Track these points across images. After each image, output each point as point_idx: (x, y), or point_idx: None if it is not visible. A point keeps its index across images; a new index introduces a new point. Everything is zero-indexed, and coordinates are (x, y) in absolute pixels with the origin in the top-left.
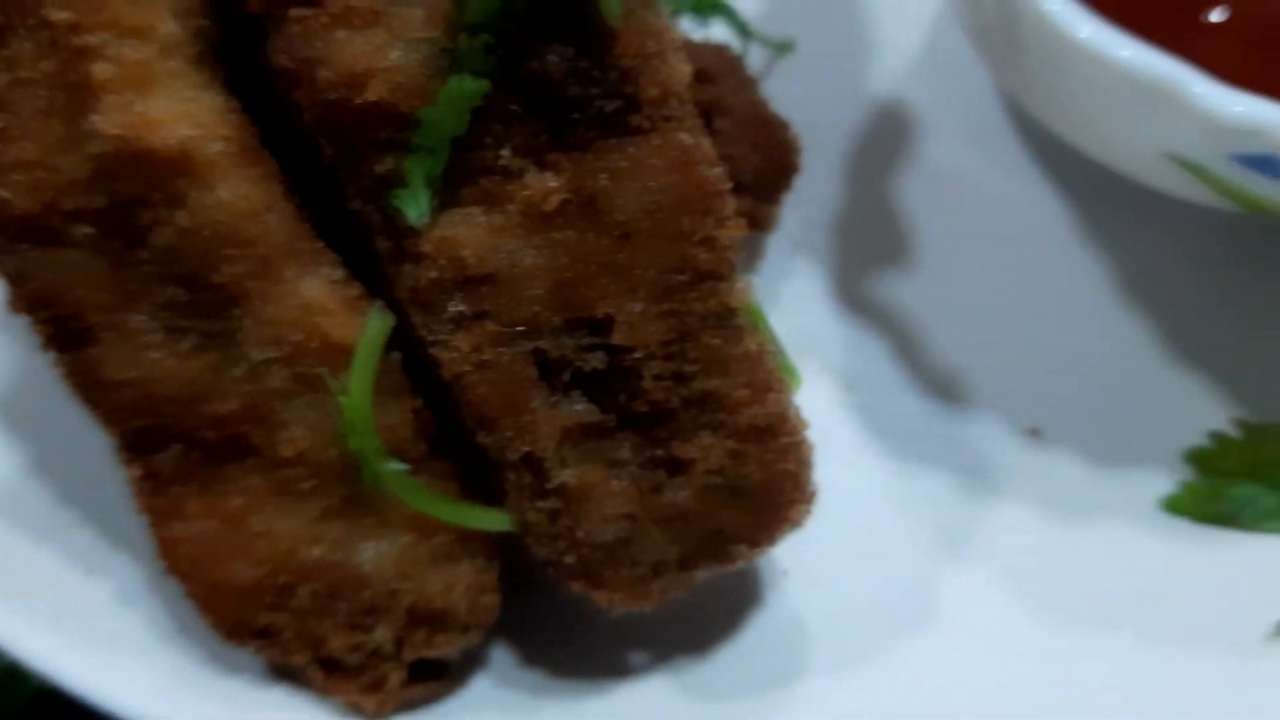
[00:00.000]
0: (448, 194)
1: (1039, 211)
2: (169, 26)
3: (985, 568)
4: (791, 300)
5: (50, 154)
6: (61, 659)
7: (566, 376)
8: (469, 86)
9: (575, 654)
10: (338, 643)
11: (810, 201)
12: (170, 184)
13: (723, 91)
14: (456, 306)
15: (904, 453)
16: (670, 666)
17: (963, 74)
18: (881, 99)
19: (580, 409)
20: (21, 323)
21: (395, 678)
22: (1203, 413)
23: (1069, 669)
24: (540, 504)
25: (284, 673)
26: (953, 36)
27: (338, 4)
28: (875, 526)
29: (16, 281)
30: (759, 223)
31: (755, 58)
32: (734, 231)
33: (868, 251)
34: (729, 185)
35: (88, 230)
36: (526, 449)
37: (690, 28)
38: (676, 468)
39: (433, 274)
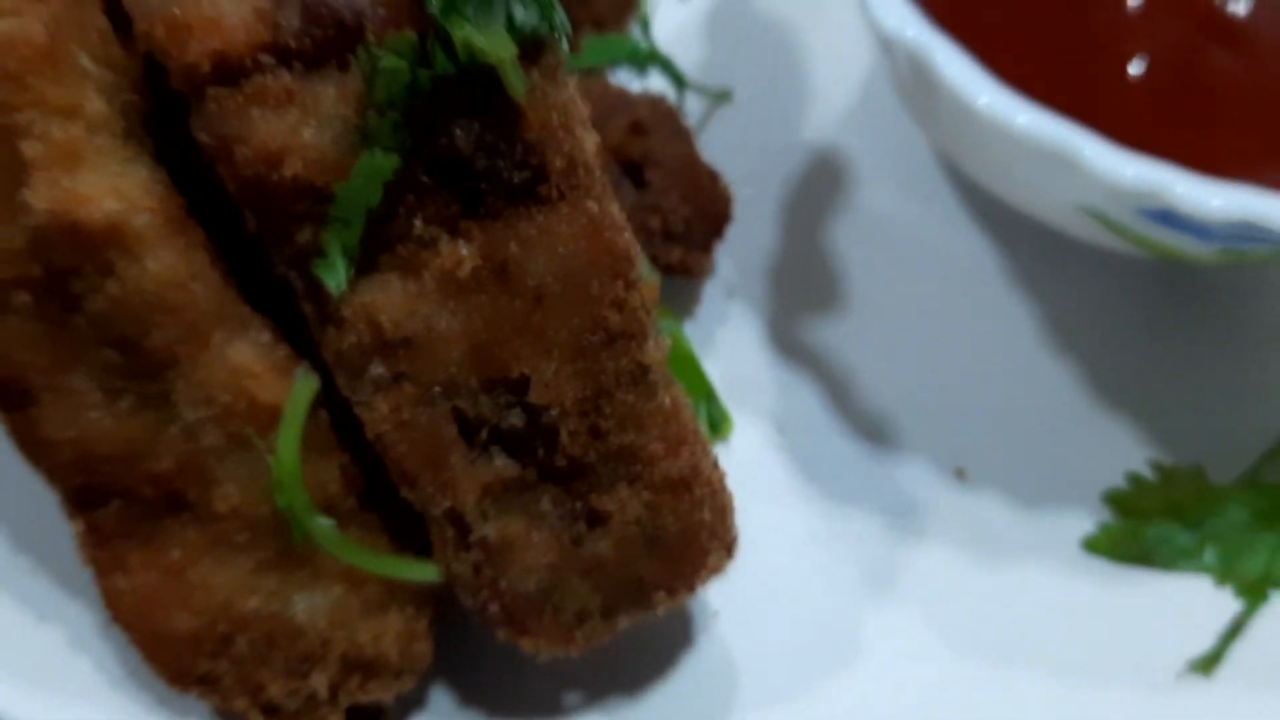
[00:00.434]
0: (365, 262)
1: (967, 257)
2: (95, 104)
3: (911, 607)
4: (726, 345)
5: None
6: (13, 701)
7: (485, 434)
8: (380, 162)
9: (511, 694)
10: (276, 689)
11: (746, 248)
12: (100, 255)
13: (656, 143)
14: (376, 369)
15: (834, 494)
16: (604, 706)
17: (895, 123)
18: (816, 147)
19: (500, 465)
20: None
21: None
22: (1121, 454)
23: (992, 707)
24: (464, 556)
25: (228, 717)
26: (885, 86)
27: (253, 84)
28: (804, 567)
29: None
30: (692, 270)
31: (694, 105)
32: (644, 294)
33: (801, 297)
34: (639, 251)
35: (25, 298)
36: (448, 504)
37: (628, 79)
38: (596, 520)
39: (353, 339)
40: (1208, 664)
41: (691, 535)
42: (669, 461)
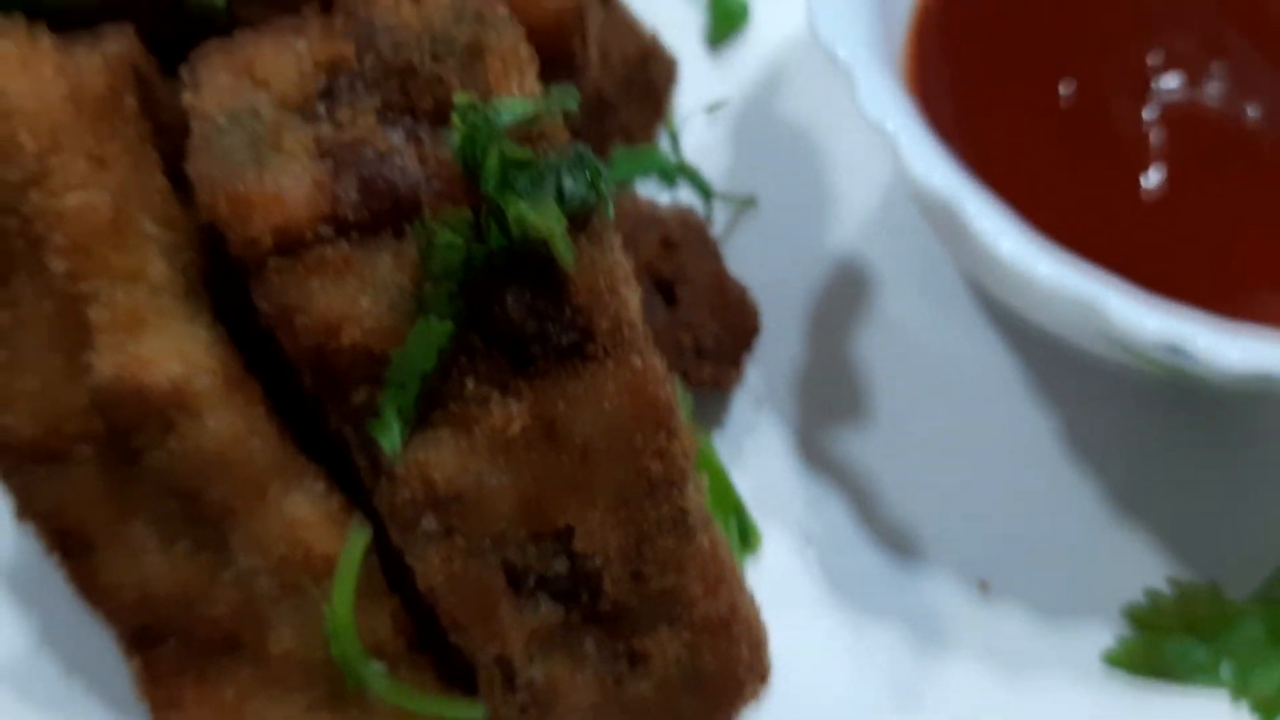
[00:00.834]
0: (419, 421)
1: (988, 368)
2: (157, 267)
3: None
4: (754, 455)
5: (51, 385)
6: None
7: (532, 583)
8: (435, 329)
9: None
10: None
11: (773, 357)
12: (162, 415)
13: (685, 260)
14: (429, 524)
15: (860, 606)
16: None
17: (917, 231)
18: (840, 254)
19: (545, 611)
20: None
21: None
22: (1140, 568)
23: None
24: (511, 698)
25: None
26: (908, 195)
27: (312, 256)
28: (831, 679)
29: (22, 496)
30: (721, 384)
31: (719, 210)
32: (684, 441)
33: (827, 407)
34: (679, 396)
35: (87, 451)
36: (497, 650)
37: (656, 186)
38: (637, 660)
39: (406, 494)
40: None
41: (729, 671)
42: (708, 602)
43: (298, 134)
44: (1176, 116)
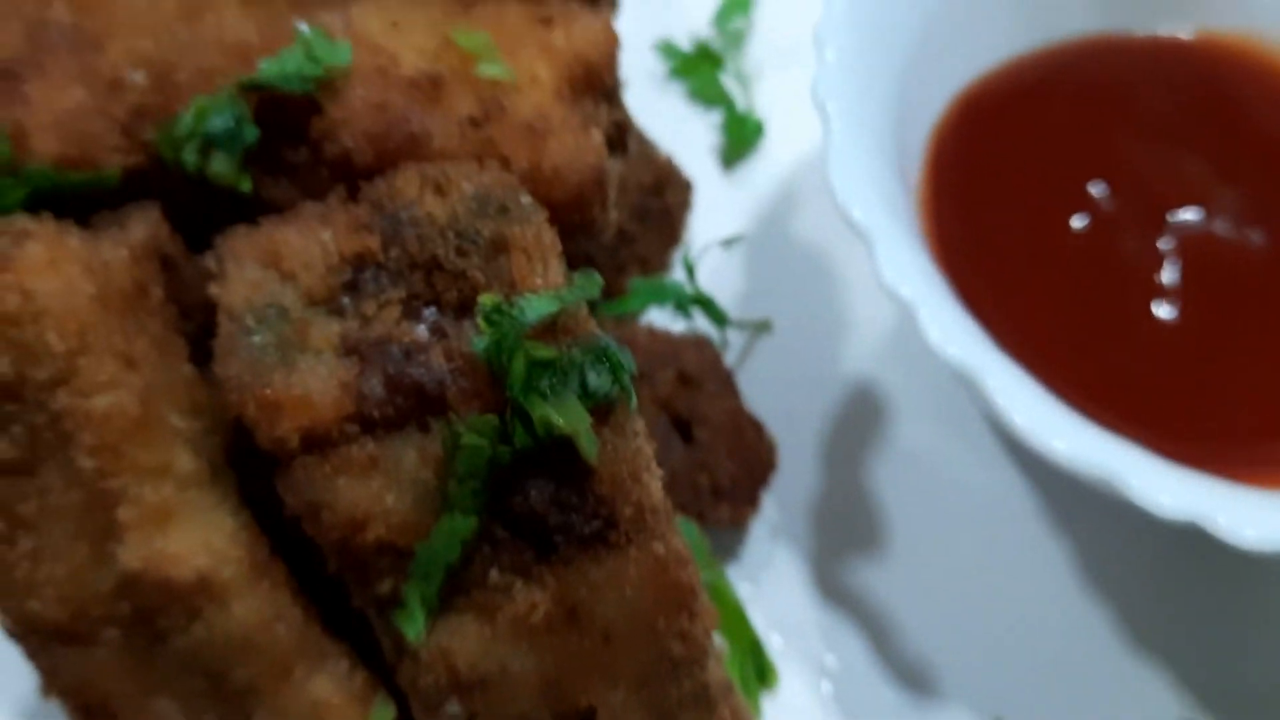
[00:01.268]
0: (442, 606)
1: (1003, 497)
2: (184, 461)
3: None
4: (770, 588)
5: (77, 572)
6: None
7: None
8: (460, 524)
9: None
10: None
11: (788, 485)
12: (188, 602)
13: (702, 398)
14: (452, 708)
15: None
16: None
17: (929, 357)
18: (854, 379)
19: None
20: None
21: None
22: (1154, 704)
23: None
24: None
25: None
26: None
27: (339, 455)
28: None
29: (49, 674)
30: (738, 522)
31: (733, 333)
32: (705, 621)
33: (843, 538)
34: (699, 575)
35: (113, 634)
36: None
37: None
38: None
39: (429, 678)
40: None
41: None
42: None
43: (324, 330)
44: (1191, 249)
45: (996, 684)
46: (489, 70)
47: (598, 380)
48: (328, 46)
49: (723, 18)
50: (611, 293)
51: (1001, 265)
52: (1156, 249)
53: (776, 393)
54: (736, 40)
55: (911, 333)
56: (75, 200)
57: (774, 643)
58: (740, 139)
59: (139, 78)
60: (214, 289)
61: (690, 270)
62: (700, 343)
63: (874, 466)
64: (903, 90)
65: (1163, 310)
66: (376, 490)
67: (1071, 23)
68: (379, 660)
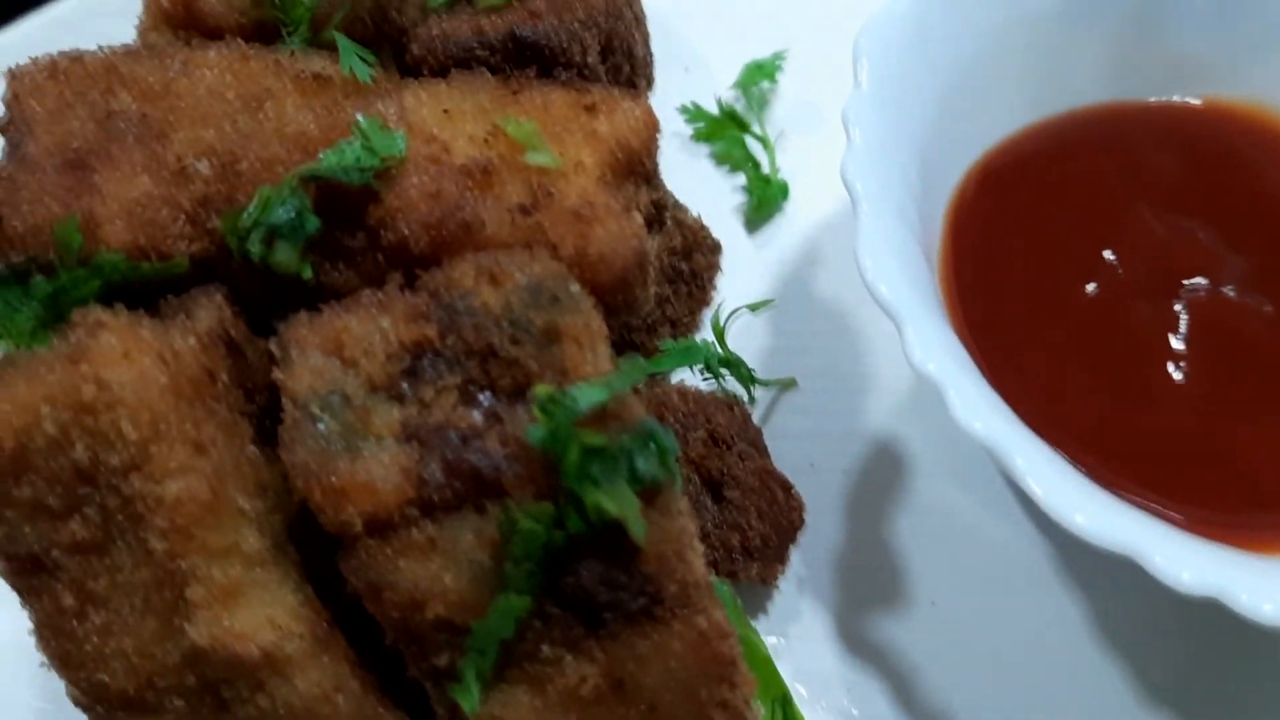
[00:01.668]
0: (495, 680)
1: (1024, 553)
2: (250, 541)
3: None
4: (798, 641)
5: (145, 645)
6: None
7: None
8: (515, 603)
9: None
10: None
11: (814, 539)
12: (252, 675)
13: (732, 460)
14: None
15: None
16: None
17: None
18: (876, 435)
19: None
20: None
21: None
22: None
23: None
24: None
25: None
26: None
27: (400, 538)
28: None
29: None
30: (767, 580)
31: (760, 391)
32: (745, 689)
33: (867, 592)
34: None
35: (179, 704)
36: None
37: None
38: None
39: None
40: None
41: None
42: None
43: (385, 416)
44: (1202, 315)
45: None
46: (537, 158)
47: (646, 465)
48: (384, 137)
49: (747, 81)
50: (644, 353)
51: (1018, 331)
52: (1169, 315)
53: (801, 448)
54: (761, 104)
55: (930, 390)
56: (143, 286)
57: (800, 694)
58: (765, 201)
59: (204, 167)
60: (278, 375)
61: (720, 334)
62: (730, 403)
63: (896, 521)
64: (924, 162)
65: (1177, 376)
66: (435, 571)
67: (1083, 92)
68: None
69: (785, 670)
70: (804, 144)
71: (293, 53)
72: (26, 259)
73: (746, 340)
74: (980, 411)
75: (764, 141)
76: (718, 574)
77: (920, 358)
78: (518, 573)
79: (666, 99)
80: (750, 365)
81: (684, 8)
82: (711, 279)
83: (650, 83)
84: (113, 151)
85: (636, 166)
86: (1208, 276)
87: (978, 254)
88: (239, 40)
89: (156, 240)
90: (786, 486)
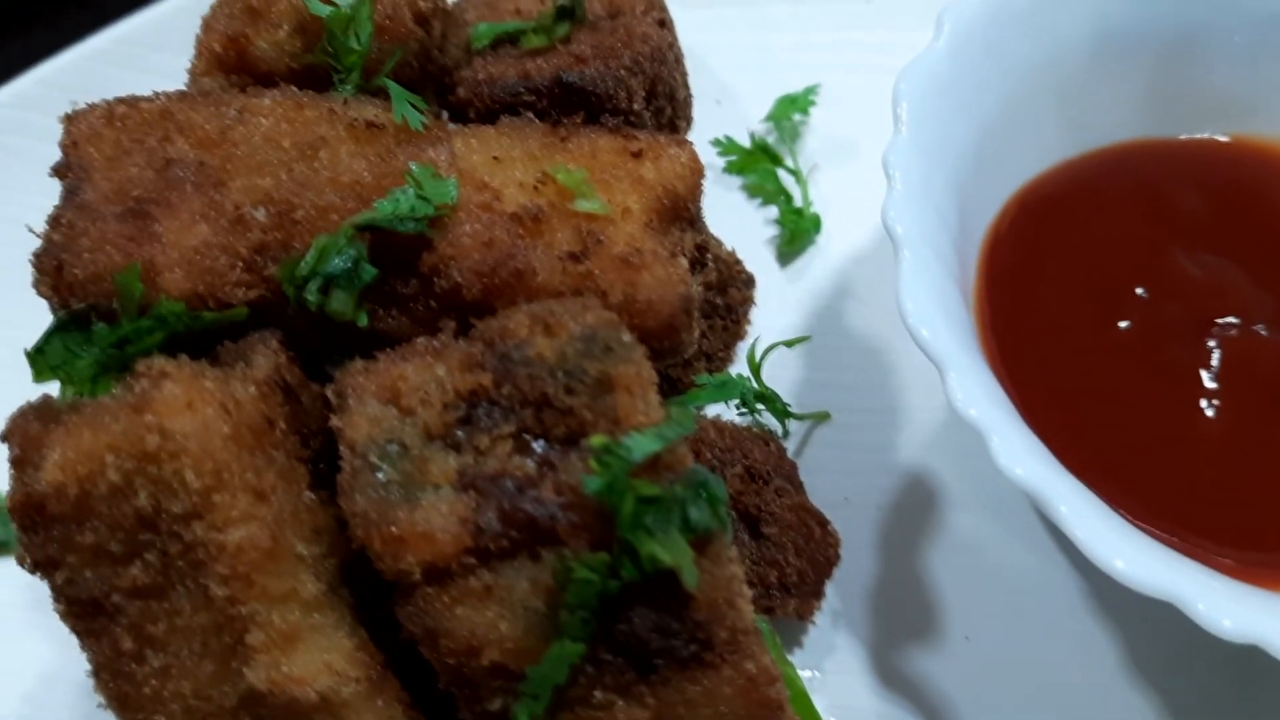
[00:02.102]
0: None
1: (1056, 587)
2: (308, 587)
3: None
4: (833, 674)
5: (203, 688)
6: None
7: None
8: (569, 650)
9: None
10: None
11: (848, 574)
12: (308, 718)
13: (769, 496)
14: None
15: None
16: None
17: (980, 446)
18: (909, 468)
19: None
20: None
21: None
22: None
23: None
24: None
25: None
26: None
27: (457, 586)
28: None
29: None
30: (804, 614)
31: (794, 424)
32: None
33: (901, 625)
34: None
35: None
36: None
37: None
38: None
39: None
40: None
41: None
42: None
43: (442, 465)
44: (1234, 352)
45: None
46: (586, 205)
47: (698, 514)
48: (436, 185)
49: (779, 115)
50: (680, 388)
51: (1052, 368)
52: (1202, 354)
53: (835, 481)
54: (793, 136)
55: (960, 424)
56: (202, 332)
57: None
58: (798, 235)
59: (260, 215)
60: (335, 422)
61: (755, 369)
62: (765, 438)
63: (930, 555)
64: (960, 200)
65: (1212, 416)
66: (491, 618)
67: (1115, 129)
68: None
69: (820, 704)
70: (836, 177)
71: (346, 100)
72: (86, 305)
73: (779, 372)
74: (1021, 457)
75: (796, 175)
76: (755, 610)
77: (962, 403)
78: (572, 620)
79: (699, 131)
80: (784, 398)
81: (716, 41)
82: (746, 313)
83: (690, 122)
84: (171, 199)
85: (682, 211)
86: (1239, 315)
87: (1012, 290)
88: (292, 87)
89: (214, 287)
90: (823, 522)
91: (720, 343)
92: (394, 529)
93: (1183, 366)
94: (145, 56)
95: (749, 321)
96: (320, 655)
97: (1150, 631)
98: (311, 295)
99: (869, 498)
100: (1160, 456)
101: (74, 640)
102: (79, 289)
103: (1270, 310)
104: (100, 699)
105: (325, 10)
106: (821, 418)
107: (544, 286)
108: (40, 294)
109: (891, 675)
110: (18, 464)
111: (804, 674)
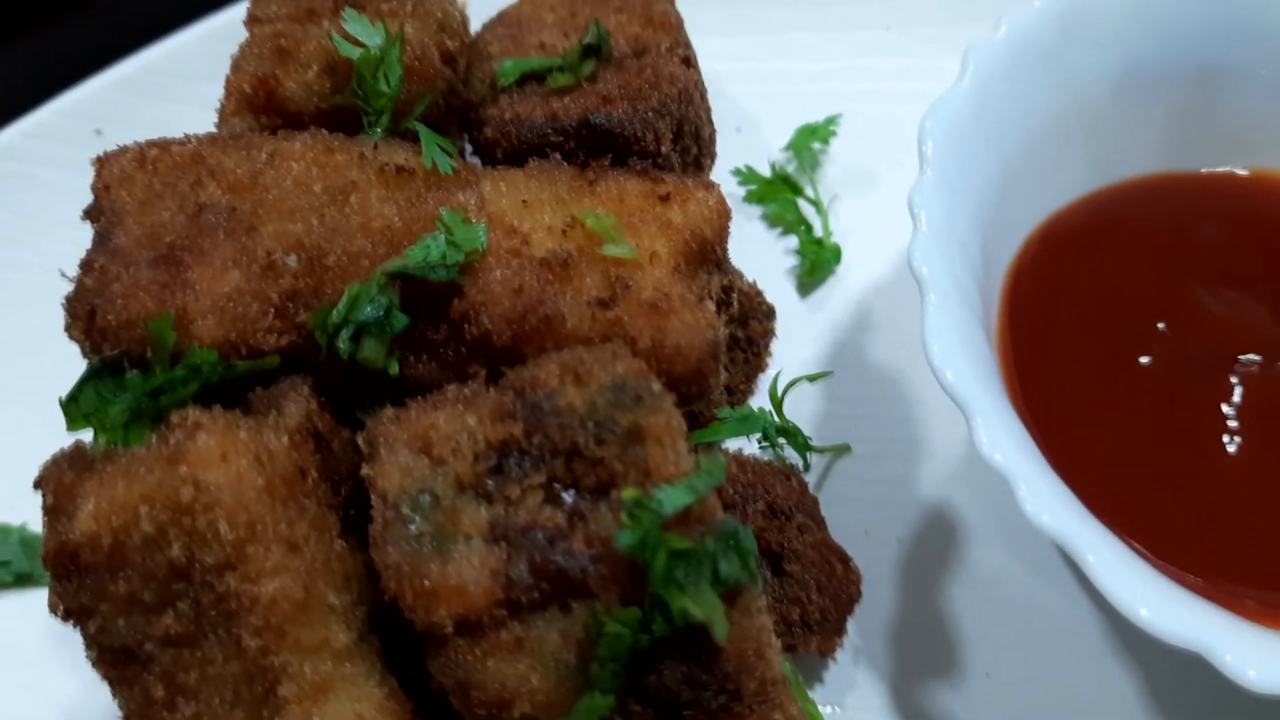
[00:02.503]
0: None
1: (1077, 623)
2: (339, 637)
3: None
4: (854, 711)
5: None
6: None
7: None
8: (599, 702)
9: None
10: None
11: (869, 609)
12: None
13: (791, 531)
14: None
15: None
16: None
17: (1000, 481)
18: (930, 502)
19: None
20: None
21: None
22: None
23: None
24: None
25: None
26: None
27: (488, 639)
28: None
29: None
30: (826, 652)
31: (815, 457)
32: None
33: (922, 661)
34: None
35: None
36: None
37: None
38: None
39: None
40: None
41: None
42: None
43: (473, 516)
44: (1256, 390)
45: None
46: (614, 250)
47: (729, 567)
48: (466, 230)
49: (800, 144)
50: (701, 421)
51: (1074, 406)
52: (1223, 390)
53: (855, 515)
54: (813, 166)
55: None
56: (239, 383)
57: None
58: (818, 265)
59: (292, 261)
60: (367, 471)
61: (778, 404)
62: (787, 473)
63: (951, 590)
64: (984, 237)
65: (1237, 455)
66: (523, 671)
67: (1138, 164)
68: None
69: None
70: (856, 206)
71: (376, 144)
72: (119, 352)
73: (800, 404)
74: (1048, 503)
75: (817, 205)
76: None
77: (988, 448)
78: (603, 673)
79: (719, 160)
80: (804, 430)
81: (736, 68)
82: (767, 345)
83: (714, 158)
84: (203, 245)
85: (709, 254)
86: (1262, 352)
87: (1034, 323)
88: (323, 131)
89: (246, 334)
90: (845, 559)
91: (741, 375)
92: (426, 582)
93: (1205, 404)
94: (167, 85)
95: (770, 354)
96: (351, 705)
97: (1173, 671)
98: (343, 343)
99: (890, 531)
100: (1183, 495)
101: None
102: (111, 335)
103: None
104: None
105: (355, 52)
106: (842, 450)
107: (573, 333)
108: (72, 337)
109: (912, 712)
110: (52, 512)
111: (825, 710)
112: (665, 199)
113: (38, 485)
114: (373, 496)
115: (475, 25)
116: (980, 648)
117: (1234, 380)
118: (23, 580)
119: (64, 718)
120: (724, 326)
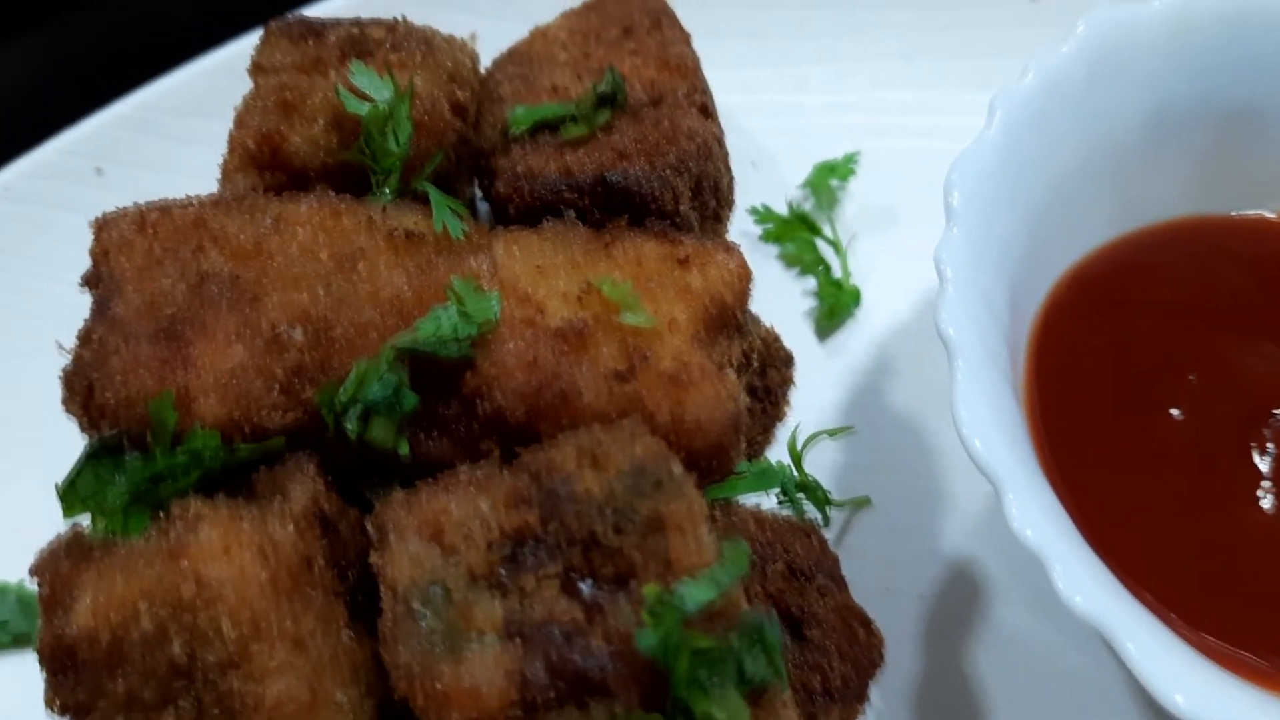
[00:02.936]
0: None
1: (1102, 682)
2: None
3: None
4: None
5: None
6: None
7: None
8: None
9: None
10: None
11: (891, 670)
12: None
13: (812, 594)
14: None
15: None
16: None
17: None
18: (951, 557)
19: None
20: None
21: None
22: None
23: None
24: None
25: None
26: None
27: None
28: None
29: None
30: (847, 719)
31: (835, 510)
32: None
33: None
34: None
35: None
36: None
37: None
38: None
39: None
40: None
41: None
42: None
43: (486, 610)
44: None
45: None
46: (632, 319)
47: (754, 666)
48: (478, 300)
49: (818, 182)
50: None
51: (1102, 460)
52: (1256, 447)
53: (876, 571)
54: (831, 203)
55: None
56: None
57: None
58: (837, 309)
59: (297, 334)
60: (376, 559)
61: (797, 460)
62: (807, 530)
63: (973, 650)
64: (1011, 288)
65: (1270, 513)
66: None
67: (1165, 208)
68: None
69: None
70: (875, 246)
71: (384, 207)
72: (118, 432)
73: (819, 455)
74: (1082, 585)
75: (836, 245)
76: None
77: (1020, 524)
78: None
79: (735, 197)
80: (823, 482)
81: (750, 102)
82: (785, 394)
83: (732, 207)
84: (206, 319)
85: (729, 320)
86: None
87: (1061, 375)
88: (329, 191)
89: (250, 412)
90: (866, 623)
91: (759, 426)
92: (439, 685)
93: (1237, 462)
94: (168, 122)
95: (788, 403)
96: None
97: None
98: (351, 424)
99: (912, 587)
100: (1217, 560)
101: None
102: (110, 413)
103: None
104: None
105: (363, 108)
106: (862, 504)
107: (589, 408)
108: (69, 411)
109: None
110: (48, 604)
111: None
112: (684, 262)
113: (33, 573)
114: (382, 587)
115: (485, 55)
116: (1004, 710)
117: (1267, 434)
118: (20, 641)
119: None
120: (743, 390)
